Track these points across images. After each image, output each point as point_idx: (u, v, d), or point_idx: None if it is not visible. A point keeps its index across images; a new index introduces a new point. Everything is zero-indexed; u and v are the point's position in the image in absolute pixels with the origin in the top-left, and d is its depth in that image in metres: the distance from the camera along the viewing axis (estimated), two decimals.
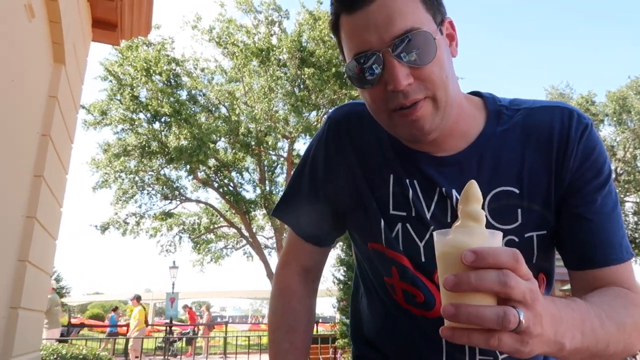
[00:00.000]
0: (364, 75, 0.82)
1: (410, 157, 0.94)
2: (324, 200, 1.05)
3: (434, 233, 0.61)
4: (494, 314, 0.53)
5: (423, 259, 0.92)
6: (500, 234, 0.59)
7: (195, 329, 17.43)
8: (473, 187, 0.60)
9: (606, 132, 22.71)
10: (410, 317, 0.96)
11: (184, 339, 15.88)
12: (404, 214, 0.94)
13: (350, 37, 0.83)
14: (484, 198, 0.88)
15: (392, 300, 0.99)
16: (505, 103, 0.94)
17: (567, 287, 10.27)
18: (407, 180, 0.94)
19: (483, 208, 0.87)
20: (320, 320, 18.34)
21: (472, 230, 0.57)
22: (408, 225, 0.93)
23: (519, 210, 0.88)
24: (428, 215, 0.91)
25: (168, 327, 16.46)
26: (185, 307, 18.67)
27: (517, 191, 0.88)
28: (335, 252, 14.94)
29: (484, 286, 0.53)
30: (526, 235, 0.88)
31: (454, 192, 0.90)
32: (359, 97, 0.95)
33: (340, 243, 14.82)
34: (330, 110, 1.26)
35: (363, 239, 1.01)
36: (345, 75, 0.89)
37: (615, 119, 22.02)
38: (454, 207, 0.89)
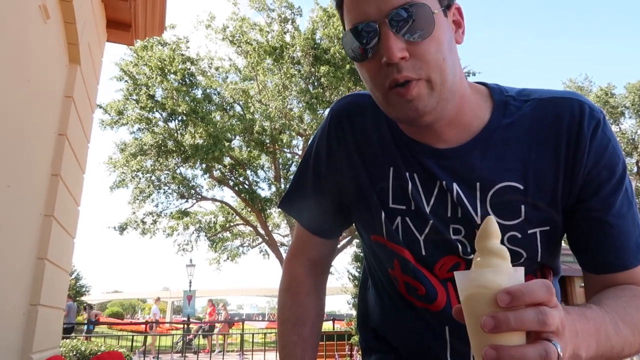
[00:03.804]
0: (360, 47, 0.80)
1: (410, 150, 0.92)
2: (328, 193, 1.04)
3: (455, 274, 0.59)
4: (537, 355, 0.53)
5: (424, 252, 0.91)
6: (522, 268, 0.58)
7: (213, 325, 17.54)
8: (491, 223, 0.59)
9: (627, 124, 22.30)
10: (414, 309, 0.95)
11: (200, 336, 15.96)
12: (404, 207, 0.92)
13: (350, 8, 0.82)
14: (486, 193, 0.86)
15: (396, 292, 0.99)
16: (513, 93, 0.90)
17: None
18: (407, 174, 0.92)
19: (484, 203, 0.86)
20: (339, 318, 18.34)
21: (500, 269, 0.57)
22: (407, 219, 0.92)
23: (523, 206, 0.85)
24: (427, 210, 0.90)
25: (185, 325, 16.63)
26: (209, 301, 18.85)
27: (521, 187, 0.85)
28: (352, 249, 14.91)
29: (524, 327, 0.53)
30: (529, 232, 0.86)
31: (454, 185, 0.87)
32: None
33: (357, 240, 14.78)
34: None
35: (366, 231, 1.00)
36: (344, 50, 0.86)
37: (634, 110, 21.58)
38: (454, 202, 0.87)
